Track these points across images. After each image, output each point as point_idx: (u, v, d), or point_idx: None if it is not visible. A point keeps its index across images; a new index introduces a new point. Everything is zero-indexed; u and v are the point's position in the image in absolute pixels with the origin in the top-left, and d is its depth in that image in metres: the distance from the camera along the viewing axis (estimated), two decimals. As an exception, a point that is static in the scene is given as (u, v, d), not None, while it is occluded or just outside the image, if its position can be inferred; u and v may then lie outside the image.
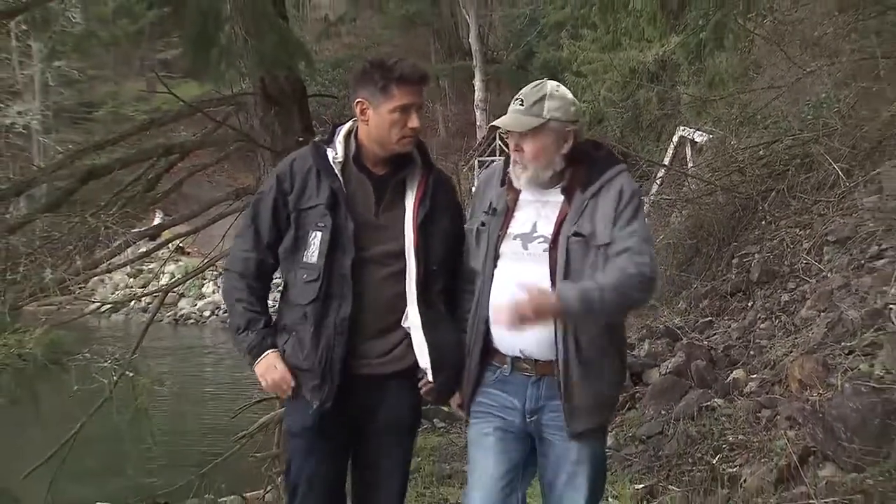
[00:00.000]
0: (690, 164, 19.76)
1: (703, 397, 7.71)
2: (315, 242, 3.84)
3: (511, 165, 3.85)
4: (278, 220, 3.95)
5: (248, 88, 8.14)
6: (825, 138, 11.39)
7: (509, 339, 3.77)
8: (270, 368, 3.92)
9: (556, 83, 3.84)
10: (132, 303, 26.84)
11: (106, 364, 9.22)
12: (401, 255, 3.87)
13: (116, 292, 32.42)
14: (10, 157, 35.73)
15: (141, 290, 29.18)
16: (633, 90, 27.85)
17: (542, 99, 3.72)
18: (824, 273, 8.82)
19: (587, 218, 3.67)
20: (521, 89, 3.86)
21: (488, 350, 3.87)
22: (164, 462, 10.84)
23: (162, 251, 12.57)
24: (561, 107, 3.73)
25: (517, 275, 3.70)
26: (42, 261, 9.57)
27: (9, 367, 6.08)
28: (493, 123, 3.95)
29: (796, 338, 8.02)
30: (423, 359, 3.88)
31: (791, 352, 7.71)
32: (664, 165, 21.47)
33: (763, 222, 11.31)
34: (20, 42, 36.80)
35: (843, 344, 7.16)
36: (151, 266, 29.09)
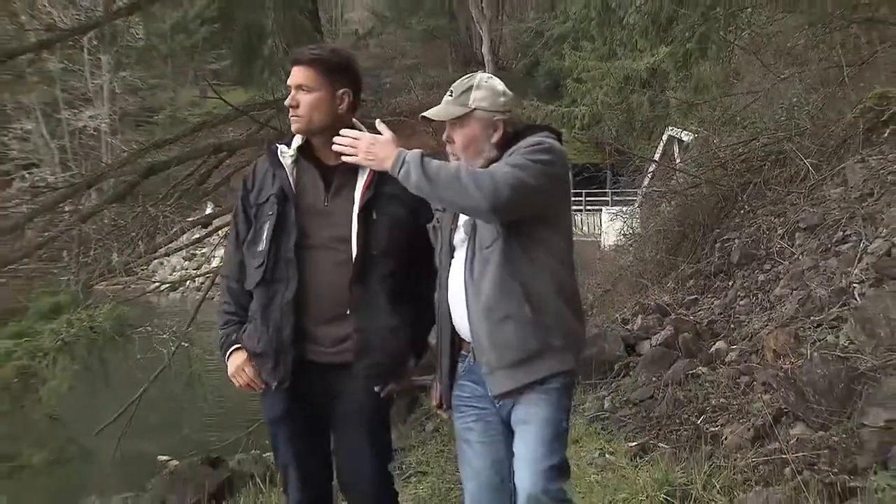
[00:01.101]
0: (678, 160, 19.72)
1: (689, 366, 7.70)
2: (264, 231, 3.60)
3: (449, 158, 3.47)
4: (248, 219, 3.73)
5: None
6: (796, 137, 11.36)
7: (463, 328, 3.41)
8: (238, 371, 3.67)
9: (487, 75, 3.55)
10: (187, 283, 26.89)
11: (165, 336, 9.32)
12: (347, 240, 3.56)
13: (173, 273, 32.56)
14: (83, 156, 36.00)
15: (195, 271, 29.29)
16: (627, 95, 27.85)
17: (469, 90, 3.42)
18: (796, 256, 8.80)
19: None
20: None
21: (456, 342, 3.51)
22: (216, 421, 10.89)
23: (213, 237, 12.59)
24: (487, 97, 3.41)
25: (461, 261, 3.40)
26: (110, 246, 9.65)
27: (82, 338, 6.14)
28: (423, 115, 3.49)
29: (771, 313, 8.01)
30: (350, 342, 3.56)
31: (766, 325, 7.71)
32: (655, 161, 21.39)
33: (742, 211, 11.27)
34: (91, 55, 36.93)
35: (812, 318, 7.15)
36: (203, 250, 29.15)
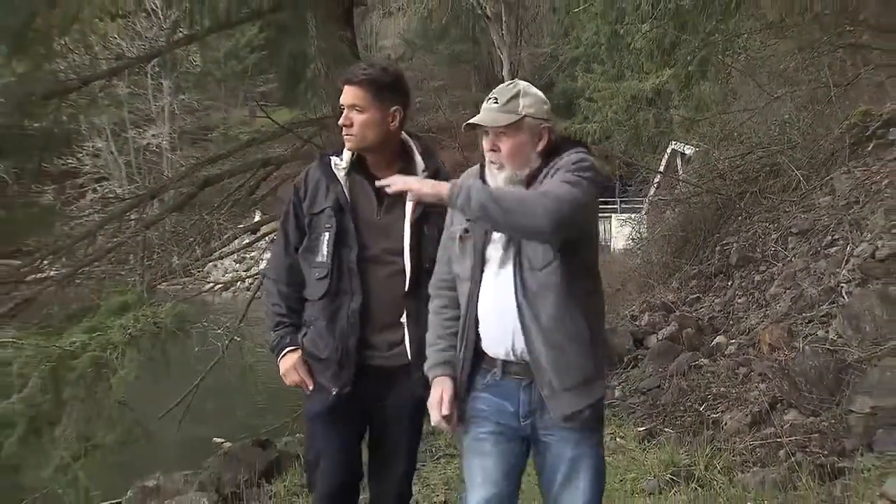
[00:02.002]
0: (681, 172, 19.65)
1: (692, 358, 7.70)
2: (324, 243, 3.43)
3: (487, 166, 3.09)
4: (300, 226, 3.54)
5: (328, 113, 8.19)
6: (789, 150, 11.35)
7: (496, 344, 3.05)
8: (290, 370, 3.53)
9: (527, 83, 3.15)
10: (238, 283, 27.05)
11: (219, 331, 9.38)
12: (400, 253, 3.40)
13: (226, 275, 32.66)
14: (146, 170, 36.20)
15: (245, 273, 29.49)
16: (634, 112, 27.80)
17: (517, 96, 3.03)
18: (789, 258, 8.77)
19: None
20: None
21: (479, 355, 3.13)
22: (265, 407, 10.92)
23: (261, 242, 12.65)
24: (534, 104, 3.04)
25: (501, 279, 3.02)
26: (170, 250, 9.70)
27: (146, 332, 6.16)
28: (469, 122, 3.04)
29: (766, 310, 7.99)
30: (409, 352, 3.41)
31: (762, 321, 7.69)
32: (660, 172, 21.33)
33: (740, 218, 11.25)
34: (154, 80, 37.20)
35: (803, 315, 7.13)
36: (252, 254, 29.41)
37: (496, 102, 3.02)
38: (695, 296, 10.31)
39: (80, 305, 7.30)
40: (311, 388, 3.51)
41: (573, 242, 2.95)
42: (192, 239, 9.98)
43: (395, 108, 3.44)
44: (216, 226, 9.26)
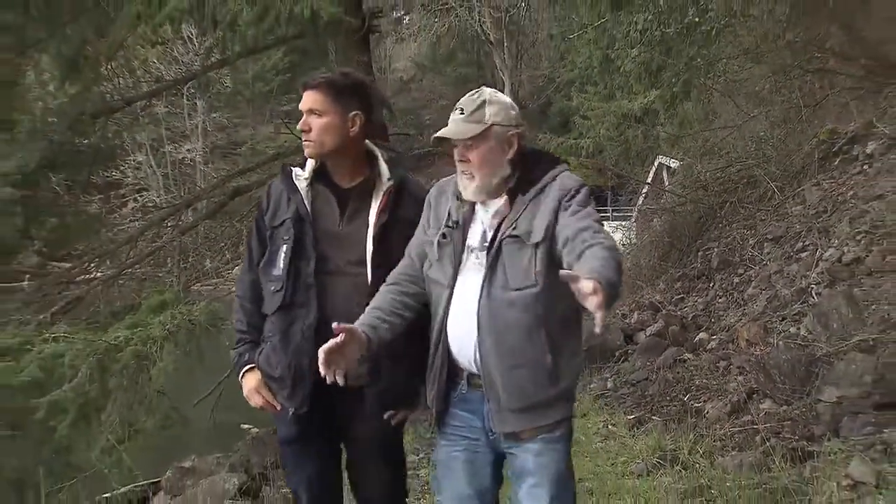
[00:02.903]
0: (667, 183, 19.66)
1: (677, 353, 7.70)
2: (281, 255, 3.00)
3: (458, 176, 2.78)
4: (262, 240, 3.11)
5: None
6: (764, 164, 11.37)
7: (462, 355, 2.73)
8: (252, 392, 3.09)
9: (493, 90, 2.83)
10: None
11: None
12: (364, 264, 2.96)
13: (254, 277, 32.75)
14: (181, 182, 36.34)
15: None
16: (624, 129, 27.99)
17: (483, 105, 2.71)
18: (764, 262, 8.78)
19: (525, 219, 2.64)
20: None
21: (452, 367, 2.77)
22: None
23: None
24: (501, 111, 2.72)
25: (470, 287, 2.68)
26: (204, 254, 9.78)
27: (182, 328, 6.19)
28: (436, 135, 2.75)
29: (744, 309, 7.99)
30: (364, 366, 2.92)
31: (741, 319, 7.69)
32: (647, 183, 21.39)
33: (720, 225, 11.25)
34: (189, 101, 37.33)
35: (777, 313, 7.14)
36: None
37: (462, 113, 2.72)
38: (679, 296, 10.31)
39: (124, 304, 7.36)
40: (277, 407, 3.07)
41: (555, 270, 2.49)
42: (223, 244, 10.05)
43: (354, 112, 3.01)
44: (245, 232, 9.30)
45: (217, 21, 5.78)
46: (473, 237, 2.75)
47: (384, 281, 2.89)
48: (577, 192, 2.62)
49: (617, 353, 8.71)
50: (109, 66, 7.54)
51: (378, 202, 3.01)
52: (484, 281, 2.64)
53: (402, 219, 3.00)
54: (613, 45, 22.86)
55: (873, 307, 6.19)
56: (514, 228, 2.62)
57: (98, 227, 8.39)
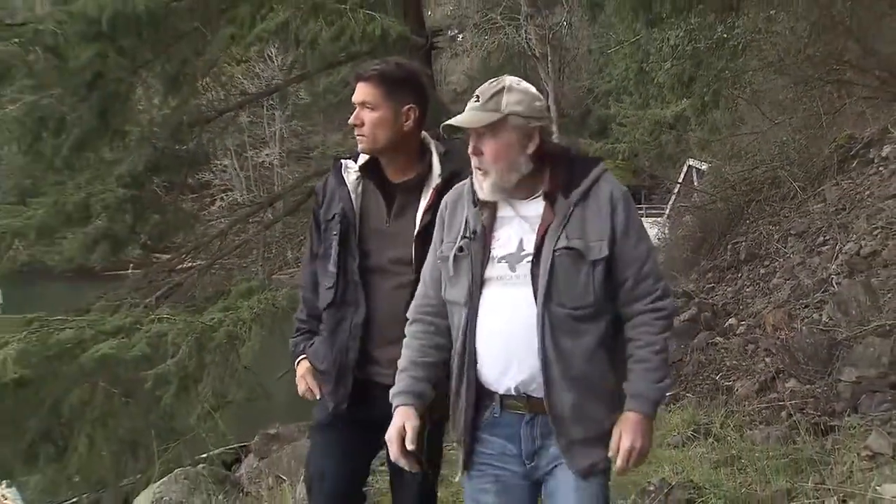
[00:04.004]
0: (697, 184, 19.46)
1: (709, 336, 7.65)
2: (333, 251, 2.64)
3: (473, 175, 2.24)
4: (319, 233, 2.75)
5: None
6: (787, 166, 11.25)
7: (496, 376, 2.19)
8: (300, 379, 2.79)
9: (518, 78, 2.27)
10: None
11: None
12: (409, 263, 2.56)
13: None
14: (261, 183, 36.86)
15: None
16: (658, 135, 27.61)
17: (500, 92, 2.17)
18: (788, 255, 8.67)
19: (575, 227, 2.13)
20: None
21: (480, 389, 2.24)
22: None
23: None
24: (522, 100, 2.17)
25: (506, 302, 2.17)
26: (284, 246, 9.95)
27: (267, 312, 6.28)
28: (447, 123, 2.21)
29: (770, 297, 7.91)
30: None
31: (767, 306, 7.62)
32: (679, 183, 21.17)
33: (748, 221, 11.13)
34: (268, 111, 37.85)
35: (801, 301, 7.06)
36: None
37: (477, 101, 2.19)
38: (711, 286, 10.21)
39: (216, 290, 7.49)
40: (318, 396, 2.75)
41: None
42: (301, 237, 10.21)
43: (408, 106, 2.59)
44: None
45: (299, 40, 5.86)
46: (502, 246, 2.21)
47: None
48: (628, 206, 2.19)
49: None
50: (204, 82, 7.72)
51: (426, 201, 2.57)
52: (536, 299, 2.12)
53: None
54: (647, 59, 22.71)
55: (889, 296, 6.12)
56: (567, 239, 2.12)
57: (193, 223, 8.55)
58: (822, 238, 8.32)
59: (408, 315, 2.40)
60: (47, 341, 5.68)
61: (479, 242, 2.21)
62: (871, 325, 5.56)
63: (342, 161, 2.72)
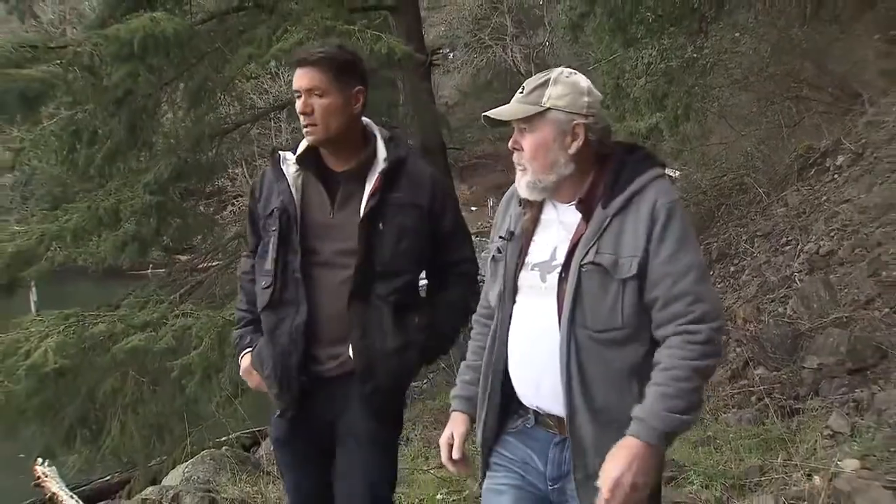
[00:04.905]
0: (669, 190, 19.49)
1: (683, 329, 7.70)
2: (270, 248, 2.28)
3: (515, 169, 1.91)
4: (256, 230, 2.41)
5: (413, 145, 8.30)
6: (753, 174, 11.35)
7: (526, 391, 1.91)
8: (247, 373, 2.42)
9: (570, 70, 1.89)
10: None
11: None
12: (355, 254, 2.21)
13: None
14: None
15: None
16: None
17: (545, 84, 1.83)
18: (755, 254, 8.74)
19: (609, 241, 1.77)
20: None
21: (509, 399, 1.95)
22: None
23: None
24: (567, 94, 1.81)
25: (536, 314, 1.86)
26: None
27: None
28: (486, 113, 1.89)
29: (740, 293, 7.96)
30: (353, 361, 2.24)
31: (737, 301, 7.67)
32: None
33: (718, 224, 11.19)
34: (275, 123, 37.80)
35: (768, 296, 7.11)
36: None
37: (521, 92, 1.88)
38: (683, 283, 10.29)
39: (234, 287, 7.52)
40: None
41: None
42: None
43: (357, 88, 2.26)
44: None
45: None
46: (538, 252, 1.90)
47: (369, 275, 2.21)
48: (670, 217, 1.78)
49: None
50: (222, 97, 7.75)
51: (370, 186, 2.24)
52: (561, 316, 1.79)
53: (394, 203, 2.25)
54: (623, 76, 22.62)
55: (845, 290, 6.18)
56: (596, 253, 1.78)
57: (211, 227, 8.57)
58: (785, 239, 8.38)
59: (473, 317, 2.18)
60: (83, 334, 5.73)
61: (516, 245, 1.92)
62: (830, 318, 5.62)
63: (280, 153, 2.34)
